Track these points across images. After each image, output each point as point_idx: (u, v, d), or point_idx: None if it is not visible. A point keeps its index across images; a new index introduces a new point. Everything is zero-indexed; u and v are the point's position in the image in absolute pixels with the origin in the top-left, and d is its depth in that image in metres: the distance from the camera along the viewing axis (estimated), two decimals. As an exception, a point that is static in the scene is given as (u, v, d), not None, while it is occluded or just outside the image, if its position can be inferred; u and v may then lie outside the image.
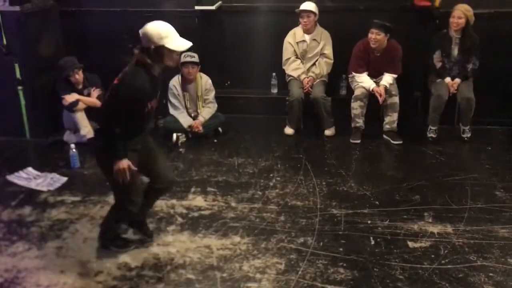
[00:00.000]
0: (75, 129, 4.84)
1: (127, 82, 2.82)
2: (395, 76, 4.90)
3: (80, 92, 4.88)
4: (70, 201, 3.93)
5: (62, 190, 4.10)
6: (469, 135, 4.90)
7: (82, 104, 4.81)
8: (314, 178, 4.24)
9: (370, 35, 4.80)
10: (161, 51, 2.76)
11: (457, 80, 4.82)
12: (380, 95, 4.76)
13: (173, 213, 3.73)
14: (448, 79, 4.84)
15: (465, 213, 3.68)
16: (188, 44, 2.82)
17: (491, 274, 3.04)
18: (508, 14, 4.94)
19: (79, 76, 4.84)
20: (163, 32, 2.75)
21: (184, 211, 3.76)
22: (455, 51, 4.84)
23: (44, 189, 4.11)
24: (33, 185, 4.16)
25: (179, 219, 3.65)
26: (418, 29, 5.21)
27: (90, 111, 4.85)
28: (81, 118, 4.78)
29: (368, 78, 4.92)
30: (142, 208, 3.20)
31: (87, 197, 3.98)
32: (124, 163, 2.85)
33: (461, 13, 4.69)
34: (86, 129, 4.77)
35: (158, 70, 2.89)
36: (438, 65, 4.90)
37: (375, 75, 4.96)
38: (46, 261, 3.20)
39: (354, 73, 5.00)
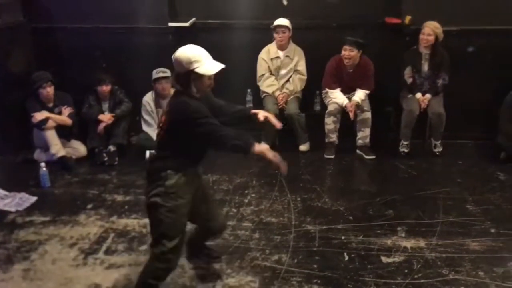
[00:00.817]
0: (46, 148, 4.75)
1: (179, 105, 2.62)
2: (367, 92, 4.97)
3: (51, 110, 4.81)
4: (40, 221, 3.84)
5: (31, 210, 4.00)
6: (440, 149, 4.99)
7: (52, 122, 4.73)
8: (289, 194, 4.24)
9: (343, 52, 4.86)
10: (190, 76, 2.61)
11: (428, 95, 4.91)
12: (351, 112, 4.81)
13: (146, 232, 3.66)
14: (419, 95, 4.93)
15: (438, 227, 3.72)
16: (219, 66, 2.64)
17: (462, 287, 3.06)
18: (476, 31, 5.07)
19: (50, 89, 4.77)
20: (192, 56, 2.59)
21: (157, 230, 3.70)
22: (425, 67, 4.94)
23: (12, 209, 4.00)
24: (0, 205, 4.05)
25: (152, 238, 3.59)
26: (389, 46, 5.30)
27: (61, 130, 4.79)
28: (52, 136, 4.70)
29: (341, 94, 4.98)
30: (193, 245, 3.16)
31: (57, 217, 3.89)
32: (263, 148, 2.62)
33: (431, 30, 4.80)
34: (56, 147, 4.69)
35: (198, 95, 2.67)
36: (409, 81, 4.99)
37: (348, 91, 5.02)
38: (12, 284, 3.10)
39: (327, 89, 5.06)
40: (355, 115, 4.88)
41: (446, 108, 4.89)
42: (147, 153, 4.84)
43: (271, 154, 2.60)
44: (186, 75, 2.62)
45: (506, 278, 3.14)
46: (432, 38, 4.81)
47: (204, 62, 2.62)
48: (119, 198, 4.20)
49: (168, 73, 4.88)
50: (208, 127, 2.58)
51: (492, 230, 3.67)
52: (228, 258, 3.35)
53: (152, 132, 4.93)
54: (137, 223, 3.79)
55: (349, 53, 4.82)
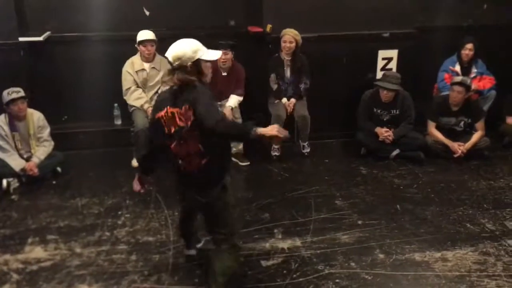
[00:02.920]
0: None
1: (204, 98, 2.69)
2: (240, 98, 5.04)
3: None
4: None
5: None
6: (308, 150, 5.25)
7: None
8: (166, 209, 4.12)
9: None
10: (199, 64, 2.76)
11: (293, 100, 5.14)
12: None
13: (7, 270, 3.31)
14: (284, 100, 5.14)
15: (311, 225, 3.89)
16: (218, 53, 2.88)
17: (337, 280, 3.24)
18: (331, 37, 5.42)
19: None
20: (194, 46, 2.75)
21: (21, 266, 3.35)
22: (288, 73, 5.17)
23: None
24: None
25: (15, 276, 3.25)
26: (255, 54, 5.46)
27: None
28: None
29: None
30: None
31: None
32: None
33: (292, 38, 5.03)
34: None
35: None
36: (274, 87, 5.18)
37: (220, 97, 5.01)
38: None
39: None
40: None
41: (310, 110, 5.15)
42: (4, 181, 4.39)
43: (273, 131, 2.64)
44: (196, 65, 2.75)
45: (374, 265, 3.39)
46: (293, 45, 5.04)
47: (204, 49, 2.80)
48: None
49: (22, 92, 4.49)
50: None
51: (359, 222, 3.94)
52: (103, 285, 3.15)
53: (8, 158, 4.48)
54: (-4, 262, 3.40)
55: (225, 56, 4.86)
